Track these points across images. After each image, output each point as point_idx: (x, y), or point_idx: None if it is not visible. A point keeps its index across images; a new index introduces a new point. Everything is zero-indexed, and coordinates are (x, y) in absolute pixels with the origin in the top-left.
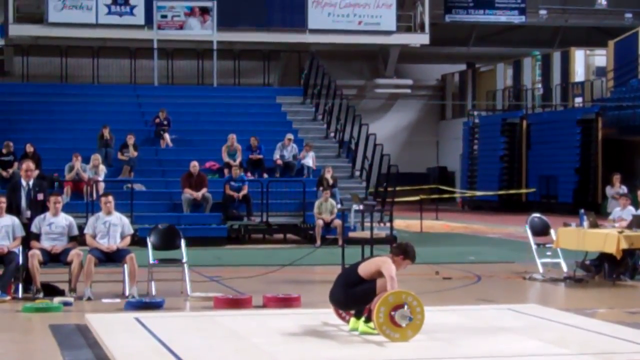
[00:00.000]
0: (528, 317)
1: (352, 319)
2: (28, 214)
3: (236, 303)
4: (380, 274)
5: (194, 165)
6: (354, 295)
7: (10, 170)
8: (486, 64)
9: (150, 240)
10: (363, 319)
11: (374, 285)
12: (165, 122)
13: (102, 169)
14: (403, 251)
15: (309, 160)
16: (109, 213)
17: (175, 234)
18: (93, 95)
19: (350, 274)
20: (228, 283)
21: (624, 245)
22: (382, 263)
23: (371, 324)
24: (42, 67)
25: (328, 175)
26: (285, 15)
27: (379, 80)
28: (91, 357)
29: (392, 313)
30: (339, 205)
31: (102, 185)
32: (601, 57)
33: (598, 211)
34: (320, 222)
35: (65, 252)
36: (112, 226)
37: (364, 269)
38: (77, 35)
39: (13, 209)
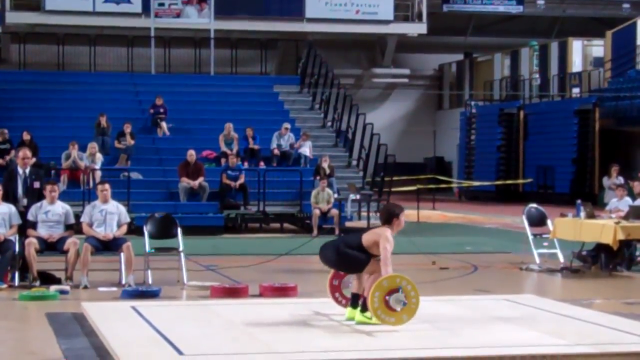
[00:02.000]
0: (524, 308)
1: (349, 309)
2: (25, 202)
3: (232, 292)
4: (377, 246)
5: (191, 154)
6: (345, 255)
7: (8, 158)
8: (484, 54)
9: (146, 229)
10: (359, 308)
11: (367, 259)
12: (162, 110)
13: (99, 157)
14: (391, 214)
15: (306, 149)
16: (105, 201)
17: (171, 222)
18: (90, 84)
19: (353, 238)
20: (224, 272)
21: (621, 236)
22: (382, 241)
23: (367, 314)
24: (39, 55)
25: (325, 165)
26: (283, 4)
27: (376, 69)
28: (87, 345)
29: (387, 298)
30: (335, 195)
31: (98, 174)
32: (599, 48)
33: (595, 202)
34: (317, 212)
35: (62, 240)
36: (108, 214)
37: (367, 238)
38: (74, 22)
39: (10, 197)
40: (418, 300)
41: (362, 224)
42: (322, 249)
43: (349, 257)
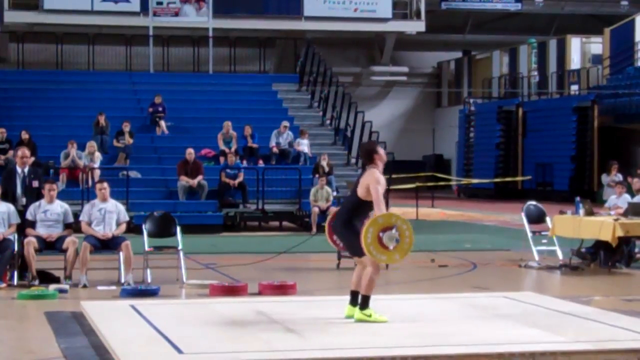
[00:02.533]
0: (523, 305)
1: (348, 306)
2: (23, 201)
3: (232, 290)
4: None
5: (190, 153)
6: (348, 234)
7: (5, 157)
8: (482, 51)
9: (145, 228)
10: (358, 306)
11: (363, 254)
12: (161, 109)
13: (98, 156)
14: (370, 151)
15: (304, 147)
16: (104, 200)
17: (170, 221)
18: (89, 82)
19: (351, 199)
20: (223, 270)
21: (620, 232)
22: (371, 184)
23: (366, 312)
24: (37, 54)
25: (324, 163)
26: (281, 2)
27: (375, 67)
28: (86, 344)
29: (380, 234)
30: (334, 193)
31: (97, 173)
32: (597, 45)
33: (594, 199)
34: (316, 210)
35: (61, 239)
36: (107, 213)
37: (361, 189)
38: (73, 22)
39: (8, 196)
40: (412, 241)
41: None
42: (332, 220)
43: (350, 238)
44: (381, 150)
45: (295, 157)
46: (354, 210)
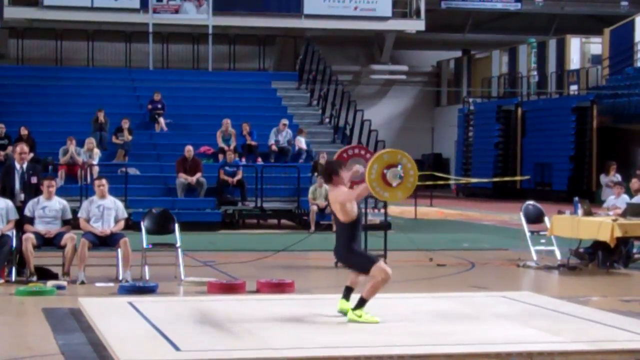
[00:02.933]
0: (521, 305)
1: (341, 300)
2: (22, 197)
3: (230, 288)
4: (345, 208)
5: (189, 150)
6: (352, 259)
7: (4, 153)
8: (482, 50)
9: (144, 225)
10: (353, 306)
11: (369, 268)
12: (160, 106)
13: (97, 152)
14: (331, 173)
15: (302, 145)
16: (102, 196)
17: (169, 218)
18: (88, 79)
19: (338, 223)
20: (222, 268)
21: (618, 233)
22: (339, 198)
23: (357, 312)
24: (37, 50)
25: (323, 161)
26: (281, 0)
27: (374, 66)
28: (84, 341)
29: (385, 171)
30: None
31: (96, 169)
32: (597, 45)
33: (592, 199)
34: (314, 208)
35: (59, 235)
36: (106, 210)
37: (340, 215)
38: (73, 18)
39: (7, 192)
40: (416, 180)
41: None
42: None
43: (353, 260)
44: (344, 174)
45: (294, 155)
46: (347, 237)
